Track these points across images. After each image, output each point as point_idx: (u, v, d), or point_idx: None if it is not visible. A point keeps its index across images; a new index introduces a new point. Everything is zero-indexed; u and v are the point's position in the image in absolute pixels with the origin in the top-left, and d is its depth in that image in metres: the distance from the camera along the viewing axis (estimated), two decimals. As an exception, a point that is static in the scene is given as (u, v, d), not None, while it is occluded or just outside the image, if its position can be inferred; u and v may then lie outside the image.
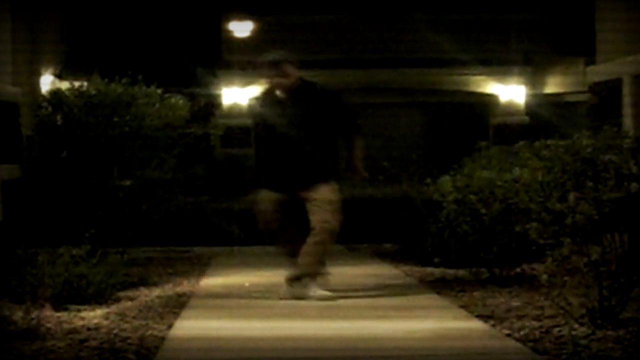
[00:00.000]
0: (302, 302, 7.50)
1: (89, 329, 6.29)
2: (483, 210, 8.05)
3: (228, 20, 22.81)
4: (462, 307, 7.12)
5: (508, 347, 5.71)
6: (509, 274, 8.34)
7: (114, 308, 7.16)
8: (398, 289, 8.13)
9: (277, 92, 7.91)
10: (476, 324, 6.44)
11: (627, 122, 10.25)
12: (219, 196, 12.60)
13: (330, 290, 7.72)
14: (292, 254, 7.85)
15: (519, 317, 6.56)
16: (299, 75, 7.91)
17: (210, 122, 11.32)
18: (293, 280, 7.76)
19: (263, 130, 7.93)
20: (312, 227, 7.70)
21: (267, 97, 8.03)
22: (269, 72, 7.89)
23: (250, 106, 8.32)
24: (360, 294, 7.93)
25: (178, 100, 10.60)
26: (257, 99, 8.40)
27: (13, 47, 11.73)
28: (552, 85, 23.16)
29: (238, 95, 22.70)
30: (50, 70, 13.93)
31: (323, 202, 7.68)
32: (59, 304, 7.07)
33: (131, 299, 7.64)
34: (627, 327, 6.04)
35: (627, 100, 10.43)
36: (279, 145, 7.80)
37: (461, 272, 8.94)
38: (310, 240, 7.71)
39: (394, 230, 10.71)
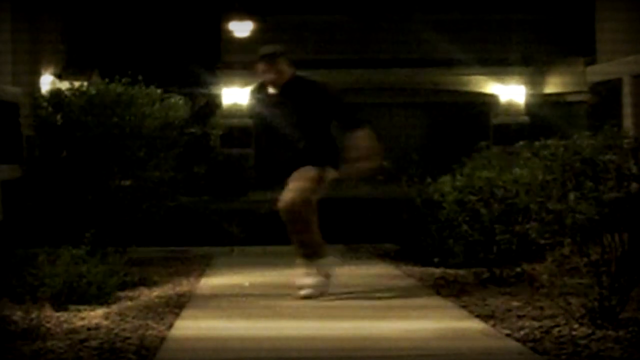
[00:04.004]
0: (302, 302, 7.50)
1: (89, 329, 6.29)
2: (483, 210, 8.05)
3: (228, 20, 22.83)
4: (462, 307, 7.11)
5: (508, 347, 5.71)
6: (509, 274, 8.34)
7: (114, 308, 7.16)
8: (398, 289, 8.13)
9: (269, 88, 7.88)
10: (476, 324, 6.44)
11: (627, 122, 10.26)
12: (219, 196, 12.60)
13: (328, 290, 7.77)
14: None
15: (519, 317, 6.56)
16: (293, 71, 7.87)
17: (210, 122, 11.31)
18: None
19: (261, 127, 7.94)
20: None
21: (259, 93, 8.01)
22: (264, 67, 7.79)
23: (250, 103, 8.25)
24: (360, 294, 7.92)
25: (178, 100, 10.59)
26: (252, 94, 8.29)
27: (13, 47, 11.75)
28: (552, 85, 23.18)
29: (238, 95, 22.72)
30: (50, 70, 13.95)
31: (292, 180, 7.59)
32: (59, 304, 7.07)
33: (131, 299, 7.64)
34: (627, 327, 6.04)
35: (627, 100, 10.44)
36: (274, 143, 7.79)
37: (461, 272, 8.93)
38: None
39: (394, 230, 10.70)
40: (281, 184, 7.75)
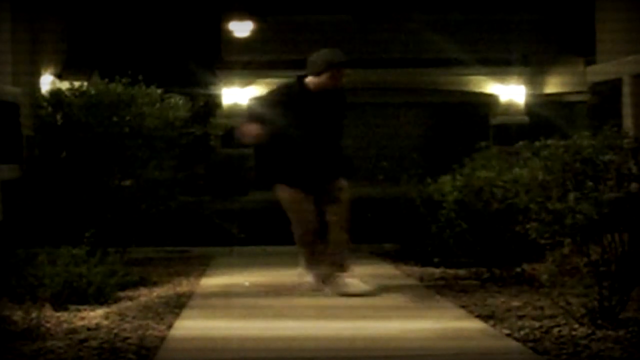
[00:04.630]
0: (303, 302, 7.51)
1: (89, 329, 6.29)
2: (483, 211, 8.05)
3: (228, 20, 22.83)
4: (462, 307, 7.12)
5: (508, 347, 5.71)
6: (509, 274, 8.34)
7: (114, 308, 7.17)
8: (398, 289, 8.13)
9: (312, 90, 7.89)
10: (476, 324, 6.44)
11: (627, 122, 10.25)
12: (219, 196, 12.58)
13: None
14: (313, 254, 7.95)
15: (519, 317, 6.56)
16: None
17: (210, 122, 11.30)
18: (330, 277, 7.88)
19: (285, 127, 7.84)
20: (333, 221, 7.81)
21: (300, 93, 7.94)
22: (339, 71, 7.88)
23: (275, 99, 8.08)
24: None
25: (178, 100, 10.59)
26: (287, 93, 8.09)
27: (13, 47, 11.74)
28: (552, 85, 23.17)
29: (238, 95, 22.70)
30: (50, 70, 13.95)
31: (342, 198, 7.82)
32: (59, 304, 7.07)
33: (131, 299, 7.64)
34: (627, 327, 6.04)
35: (627, 100, 10.42)
36: (306, 143, 7.81)
37: (461, 272, 8.94)
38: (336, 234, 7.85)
39: (394, 230, 10.70)
40: (308, 186, 7.80)
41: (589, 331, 5.98)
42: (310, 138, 7.80)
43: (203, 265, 10.09)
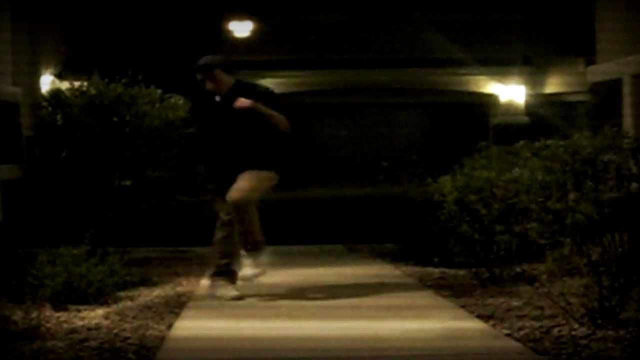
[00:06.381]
0: (303, 302, 7.51)
1: (89, 329, 6.29)
2: (483, 211, 8.05)
3: (228, 20, 22.82)
4: (462, 307, 7.12)
5: (508, 347, 5.71)
6: (509, 274, 8.34)
7: (114, 308, 7.17)
8: (398, 289, 8.13)
9: (215, 95, 7.96)
10: (476, 324, 6.44)
11: (627, 122, 10.24)
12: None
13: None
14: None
15: (519, 317, 6.56)
16: (232, 79, 7.97)
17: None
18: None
19: (207, 134, 8.03)
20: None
21: (206, 100, 8.04)
22: (201, 77, 7.93)
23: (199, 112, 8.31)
24: (360, 294, 7.93)
25: (178, 100, 10.59)
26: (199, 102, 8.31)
27: (13, 47, 11.72)
28: (552, 85, 23.15)
29: (238, 95, 22.67)
30: (50, 70, 13.93)
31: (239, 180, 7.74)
32: (59, 304, 7.07)
33: (131, 299, 7.64)
34: (627, 327, 6.04)
35: (627, 100, 10.41)
36: (221, 149, 7.90)
37: (461, 272, 8.94)
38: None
39: (394, 230, 10.70)
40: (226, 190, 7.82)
41: (589, 331, 5.98)
42: (222, 140, 7.90)
43: (203, 265, 10.08)
